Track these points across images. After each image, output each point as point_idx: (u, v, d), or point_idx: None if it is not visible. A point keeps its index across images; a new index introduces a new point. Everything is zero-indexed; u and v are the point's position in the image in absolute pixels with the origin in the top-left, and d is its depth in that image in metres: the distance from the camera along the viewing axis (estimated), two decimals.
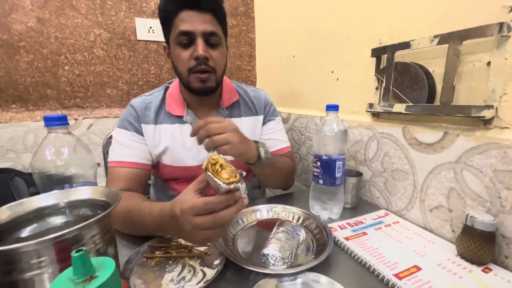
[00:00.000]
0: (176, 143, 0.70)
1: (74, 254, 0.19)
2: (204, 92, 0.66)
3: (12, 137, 1.05)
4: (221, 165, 0.39)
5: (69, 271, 0.20)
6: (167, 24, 0.63)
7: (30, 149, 1.08)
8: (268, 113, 0.81)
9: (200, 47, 0.60)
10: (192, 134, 0.53)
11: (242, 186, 0.40)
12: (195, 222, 0.38)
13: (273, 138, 0.79)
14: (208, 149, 0.52)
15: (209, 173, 0.37)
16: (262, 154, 0.61)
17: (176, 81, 0.75)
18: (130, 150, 0.66)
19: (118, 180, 0.63)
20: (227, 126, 0.54)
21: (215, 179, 0.37)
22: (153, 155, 0.70)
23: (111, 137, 0.96)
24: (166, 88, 0.74)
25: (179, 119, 0.71)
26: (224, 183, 0.37)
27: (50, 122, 0.41)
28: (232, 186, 0.37)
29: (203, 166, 0.38)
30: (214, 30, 0.62)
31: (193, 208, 0.38)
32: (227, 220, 0.40)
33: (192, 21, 0.60)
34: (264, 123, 0.81)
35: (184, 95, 0.72)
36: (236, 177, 0.39)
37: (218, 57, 0.64)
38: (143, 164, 0.67)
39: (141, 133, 0.68)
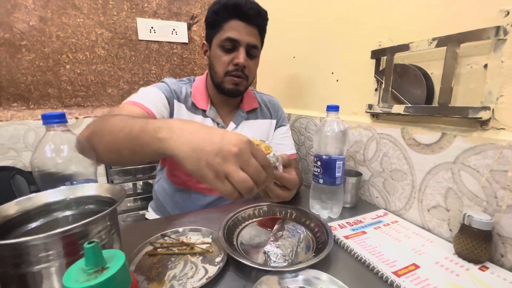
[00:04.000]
0: None
1: (86, 245, 0.20)
2: (233, 94, 0.73)
3: (13, 135, 1.05)
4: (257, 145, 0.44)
5: (81, 262, 0.20)
6: (214, 26, 0.68)
7: (31, 147, 1.08)
8: (280, 118, 0.87)
9: (241, 56, 0.66)
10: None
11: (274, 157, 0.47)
12: (246, 157, 0.33)
13: (283, 143, 0.84)
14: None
15: None
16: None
17: (202, 77, 0.79)
18: (150, 99, 0.65)
19: (123, 112, 0.58)
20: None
21: None
22: None
23: None
24: (192, 81, 0.78)
25: (203, 112, 0.75)
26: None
27: (49, 120, 0.40)
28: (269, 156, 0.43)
29: None
30: (256, 44, 0.69)
31: (253, 147, 0.34)
32: (261, 180, 0.34)
33: (239, 31, 0.65)
34: (276, 127, 0.86)
35: (210, 92, 0.76)
36: (269, 149, 0.45)
37: (253, 67, 0.72)
38: (156, 116, 0.64)
39: (171, 102, 0.70)
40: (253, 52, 0.70)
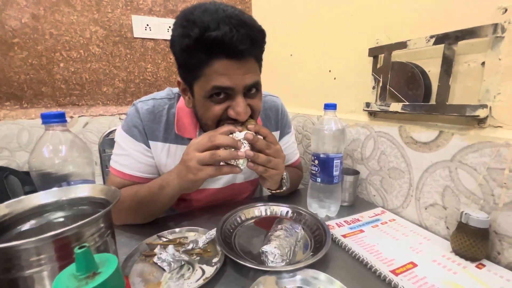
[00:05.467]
0: None
1: (77, 250, 0.19)
2: None
3: (6, 135, 1.03)
4: None
5: (71, 268, 0.20)
6: (190, 70, 0.49)
7: (24, 147, 1.07)
8: (284, 126, 0.77)
9: (240, 106, 0.48)
10: (250, 137, 0.50)
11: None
12: (198, 156, 0.47)
13: (287, 152, 0.77)
14: (257, 162, 0.51)
15: None
16: (284, 187, 0.66)
17: None
18: (135, 163, 0.59)
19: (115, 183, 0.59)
20: (281, 152, 0.56)
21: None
22: (161, 172, 0.63)
23: (107, 135, 0.95)
24: (178, 97, 0.63)
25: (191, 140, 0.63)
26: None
27: (48, 119, 0.40)
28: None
29: None
30: (257, 80, 0.51)
31: (197, 144, 0.48)
32: (223, 157, 0.47)
33: (231, 74, 0.46)
34: (280, 138, 0.76)
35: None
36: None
37: (257, 104, 0.54)
38: (148, 179, 0.60)
39: (149, 146, 0.60)
40: (254, 89, 0.52)
